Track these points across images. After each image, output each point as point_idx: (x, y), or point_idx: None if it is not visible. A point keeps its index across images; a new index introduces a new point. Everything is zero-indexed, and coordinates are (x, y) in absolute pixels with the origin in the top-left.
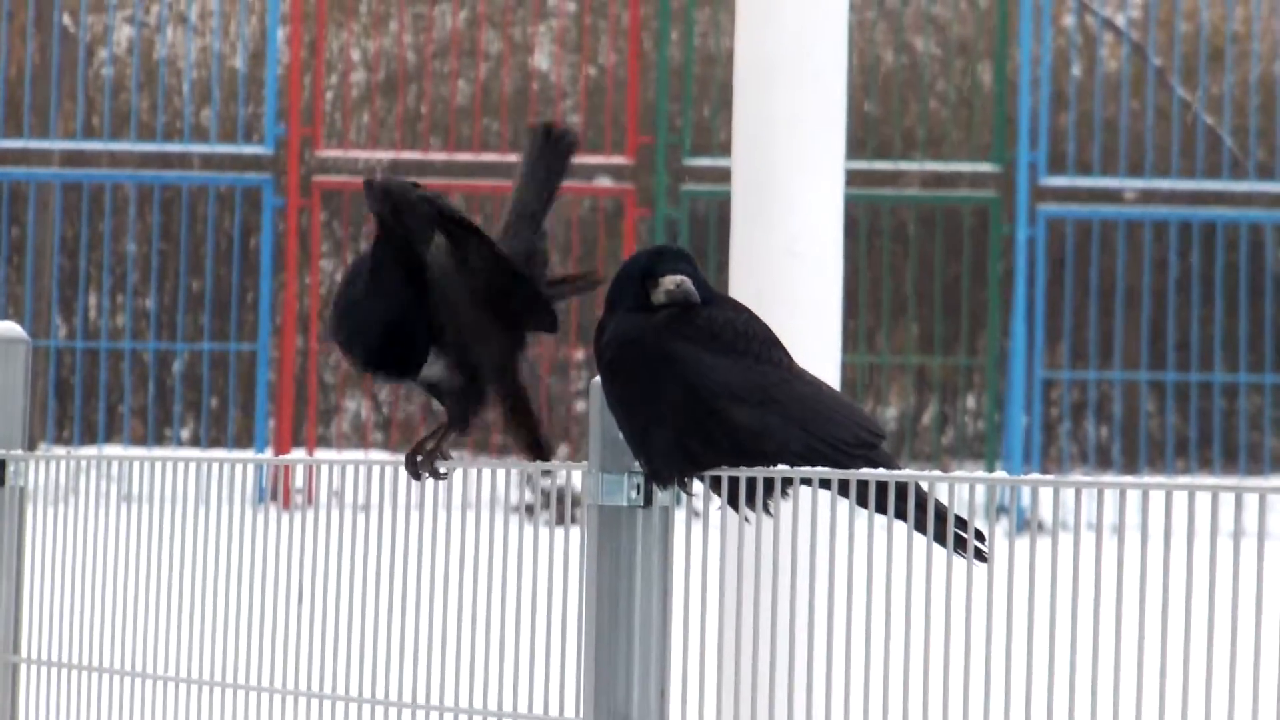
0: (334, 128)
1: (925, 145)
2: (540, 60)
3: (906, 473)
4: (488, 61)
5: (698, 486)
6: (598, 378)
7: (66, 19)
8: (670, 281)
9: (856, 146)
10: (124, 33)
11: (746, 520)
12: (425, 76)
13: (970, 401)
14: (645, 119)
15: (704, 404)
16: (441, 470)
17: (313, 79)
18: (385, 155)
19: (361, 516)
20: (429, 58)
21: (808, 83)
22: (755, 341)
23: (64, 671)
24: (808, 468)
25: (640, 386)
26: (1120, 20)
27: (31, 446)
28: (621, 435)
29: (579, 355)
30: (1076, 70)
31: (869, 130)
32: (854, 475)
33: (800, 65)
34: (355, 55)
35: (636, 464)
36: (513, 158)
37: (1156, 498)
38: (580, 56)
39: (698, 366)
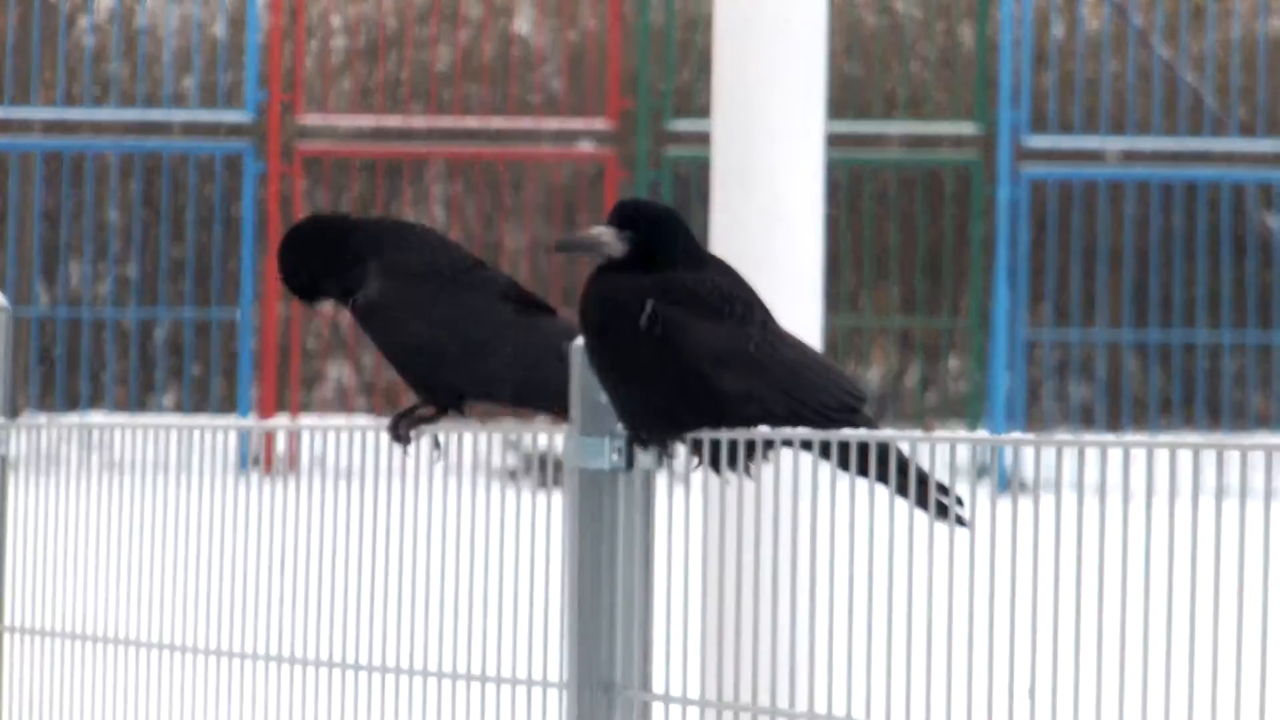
0: (315, 94)
1: (907, 107)
2: (521, 25)
3: (888, 433)
4: (468, 26)
5: (680, 450)
6: (580, 339)
7: None
8: (594, 231)
9: (838, 108)
10: (104, 1)
11: (727, 482)
12: (406, 42)
13: (953, 363)
14: (627, 83)
15: (686, 367)
16: (410, 435)
17: (293, 45)
18: (366, 121)
19: (344, 482)
20: (410, 23)
21: (788, 45)
22: (738, 304)
23: (48, 639)
24: (789, 429)
25: (623, 349)
26: None
27: (14, 415)
28: (605, 398)
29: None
30: (1058, 30)
31: (850, 92)
32: (835, 436)
33: (780, 27)
34: (336, 21)
35: (618, 427)
36: (494, 122)
37: (1138, 456)
38: (561, 21)
39: (680, 330)
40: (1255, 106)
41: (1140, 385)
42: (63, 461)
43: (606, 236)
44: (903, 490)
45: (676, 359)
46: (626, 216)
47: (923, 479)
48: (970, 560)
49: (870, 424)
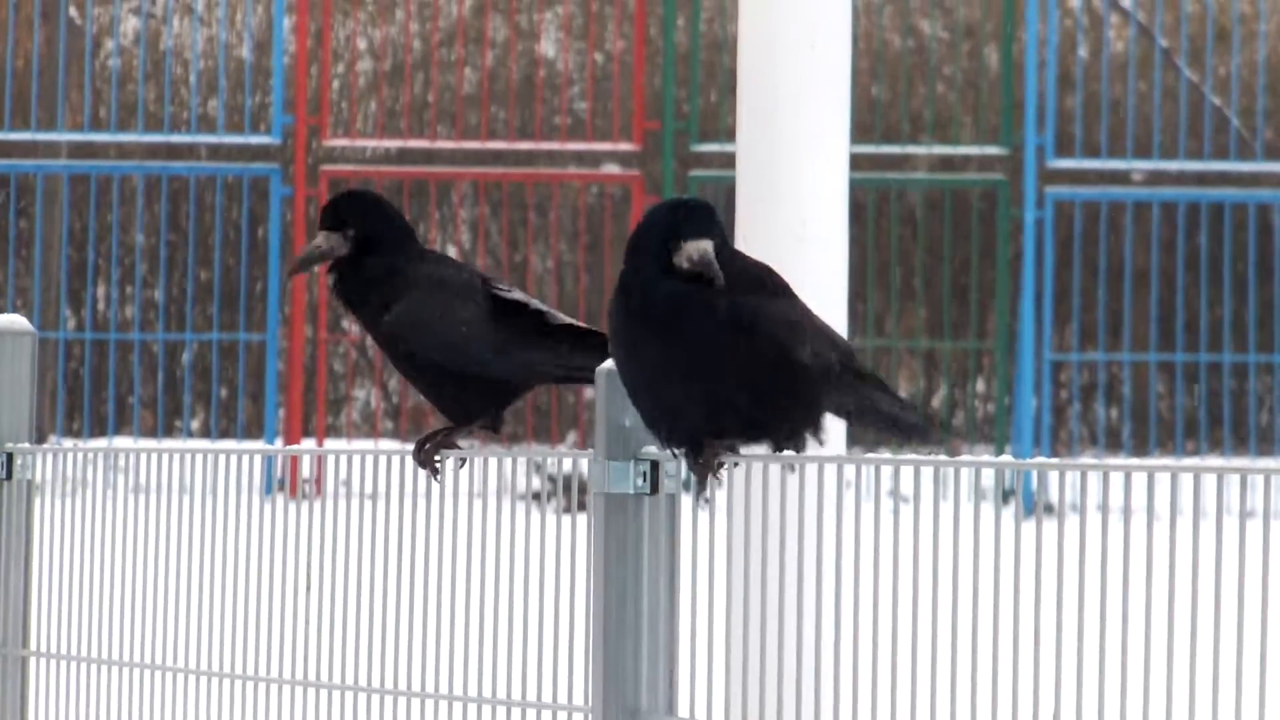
0: (341, 117)
1: (932, 129)
2: (546, 47)
3: (911, 456)
4: (494, 49)
5: (718, 465)
6: (604, 365)
7: (72, 10)
8: (694, 250)
9: (864, 130)
10: (130, 24)
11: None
12: (431, 65)
13: (980, 385)
14: (652, 105)
15: (775, 346)
16: (438, 463)
17: (319, 68)
18: (392, 144)
19: (370, 506)
20: (435, 46)
21: (812, 66)
22: (780, 280)
23: (73, 665)
24: (822, 452)
25: (701, 343)
26: (1126, 1)
27: (41, 439)
28: (630, 421)
29: None
30: (1083, 52)
31: (876, 114)
32: (869, 461)
33: (805, 48)
34: (361, 44)
35: (643, 451)
36: (520, 145)
37: (1162, 480)
38: (586, 43)
39: (766, 310)
40: None
41: (1166, 408)
42: (89, 486)
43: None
44: (887, 417)
45: (765, 339)
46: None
47: (900, 403)
48: (995, 583)
49: (861, 369)
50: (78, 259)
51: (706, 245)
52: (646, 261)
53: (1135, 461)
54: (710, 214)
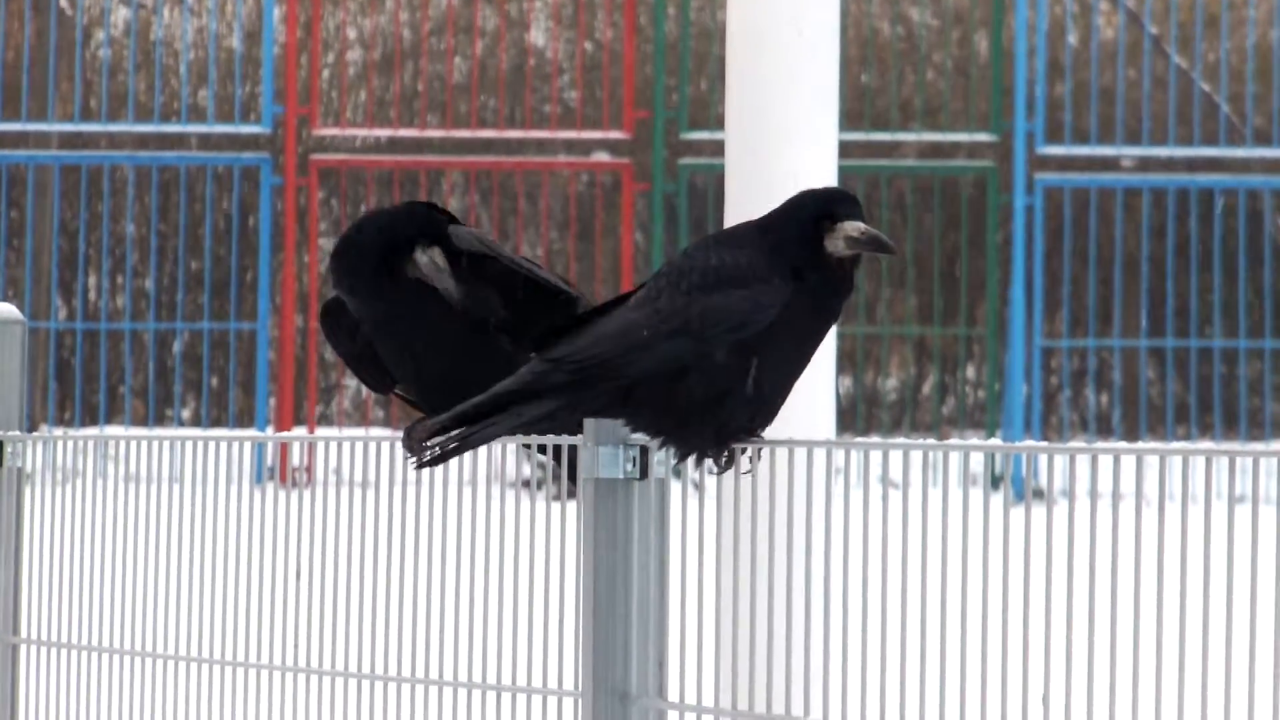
0: (331, 106)
1: (922, 116)
2: (536, 36)
3: (901, 441)
4: (484, 38)
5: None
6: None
7: (63, 1)
8: (853, 228)
9: (854, 118)
10: (120, 14)
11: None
12: (421, 54)
13: (970, 371)
14: (642, 94)
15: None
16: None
17: (309, 58)
18: (382, 133)
19: (360, 493)
20: (425, 35)
21: (800, 53)
22: None
23: (64, 652)
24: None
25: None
26: None
27: (33, 429)
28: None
29: None
30: (1072, 39)
31: (866, 101)
32: (853, 444)
33: (792, 36)
34: (351, 33)
35: (633, 437)
36: (510, 133)
37: (1151, 464)
38: (576, 32)
39: None
40: (1270, 113)
41: (1157, 392)
42: (80, 474)
43: None
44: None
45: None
46: None
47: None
48: (984, 567)
49: None
50: (69, 249)
51: (863, 225)
52: (784, 239)
53: (1124, 445)
54: (857, 202)
